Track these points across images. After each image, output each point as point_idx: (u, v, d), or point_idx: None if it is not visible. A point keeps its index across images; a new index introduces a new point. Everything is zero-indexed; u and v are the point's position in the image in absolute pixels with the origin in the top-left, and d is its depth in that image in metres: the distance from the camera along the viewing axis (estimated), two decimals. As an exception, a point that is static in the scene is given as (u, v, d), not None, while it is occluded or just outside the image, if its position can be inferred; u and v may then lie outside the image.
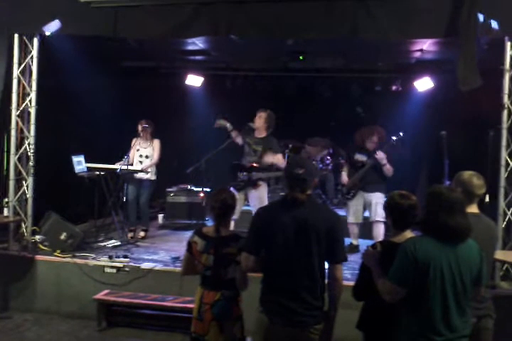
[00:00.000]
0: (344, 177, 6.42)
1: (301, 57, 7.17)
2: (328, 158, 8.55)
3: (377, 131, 6.23)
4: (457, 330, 2.62)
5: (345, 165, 6.58)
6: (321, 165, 8.26)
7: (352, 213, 6.29)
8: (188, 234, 3.49)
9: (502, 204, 5.06)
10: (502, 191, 5.07)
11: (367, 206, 6.24)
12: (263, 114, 6.08)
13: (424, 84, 7.92)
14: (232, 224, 4.46)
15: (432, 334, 2.60)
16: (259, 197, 5.93)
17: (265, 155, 5.95)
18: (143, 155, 6.81)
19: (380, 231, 6.06)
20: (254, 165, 6.00)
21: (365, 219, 6.41)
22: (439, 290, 2.59)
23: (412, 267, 2.59)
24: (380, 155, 5.99)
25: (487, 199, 4.93)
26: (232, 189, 5.95)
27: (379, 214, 6.00)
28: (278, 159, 5.98)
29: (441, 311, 2.60)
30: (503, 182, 5.06)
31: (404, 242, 2.72)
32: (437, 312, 2.60)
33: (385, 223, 5.90)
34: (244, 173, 5.96)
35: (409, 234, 2.94)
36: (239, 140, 6.24)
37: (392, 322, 2.78)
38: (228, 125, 6.17)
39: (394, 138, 6.11)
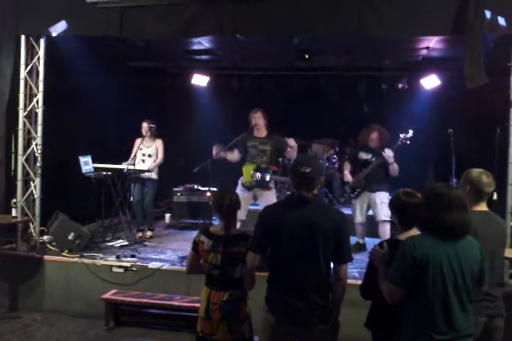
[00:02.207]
0: (348, 175, 6.40)
1: (306, 56, 7.14)
2: (335, 156, 8.55)
3: (376, 129, 6.23)
4: (460, 330, 2.59)
5: (347, 164, 6.55)
6: (327, 164, 8.25)
7: (358, 213, 6.29)
8: (195, 233, 3.49)
9: (510, 201, 5.01)
10: (510, 188, 5.02)
11: (371, 205, 6.22)
12: (259, 112, 6.02)
13: (430, 81, 7.90)
14: (238, 224, 4.44)
15: (433, 333, 2.57)
16: (268, 199, 5.85)
17: (287, 153, 6.01)
18: (145, 154, 6.84)
19: (386, 230, 6.05)
20: (275, 168, 5.97)
21: (369, 217, 6.39)
22: (440, 288, 2.56)
23: (411, 266, 2.57)
24: (389, 153, 5.96)
25: (495, 197, 4.89)
26: (240, 186, 5.96)
27: (385, 213, 5.98)
28: (294, 145, 5.97)
29: (442, 309, 2.56)
30: (511, 180, 5.01)
31: (404, 241, 2.70)
32: (438, 311, 2.56)
33: (391, 222, 5.89)
34: (258, 174, 5.92)
35: (415, 232, 2.93)
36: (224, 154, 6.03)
37: (400, 320, 2.77)
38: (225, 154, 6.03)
39: (402, 135, 6.05)
